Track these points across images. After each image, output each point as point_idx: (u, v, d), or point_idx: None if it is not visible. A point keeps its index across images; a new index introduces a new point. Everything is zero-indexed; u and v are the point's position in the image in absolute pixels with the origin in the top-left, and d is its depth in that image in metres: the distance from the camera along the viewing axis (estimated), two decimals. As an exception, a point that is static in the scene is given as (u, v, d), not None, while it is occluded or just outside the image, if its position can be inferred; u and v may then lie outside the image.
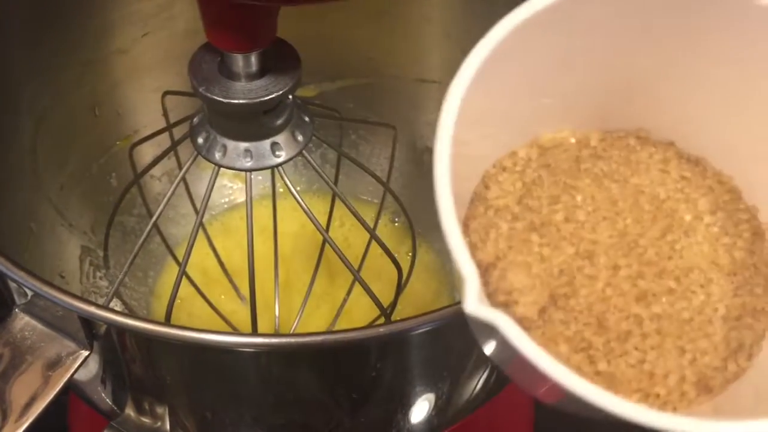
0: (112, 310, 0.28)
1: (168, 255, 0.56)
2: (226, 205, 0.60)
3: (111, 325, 0.28)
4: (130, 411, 0.39)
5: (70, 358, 0.31)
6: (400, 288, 0.43)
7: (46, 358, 0.31)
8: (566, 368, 0.19)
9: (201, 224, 0.38)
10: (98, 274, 0.52)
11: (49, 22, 0.46)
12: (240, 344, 0.29)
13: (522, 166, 0.26)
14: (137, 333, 0.28)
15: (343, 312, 0.53)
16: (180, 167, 0.51)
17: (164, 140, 0.48)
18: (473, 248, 0.24)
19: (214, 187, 0.56)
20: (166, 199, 0.38)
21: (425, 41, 0.55)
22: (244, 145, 0.36)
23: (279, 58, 0.35)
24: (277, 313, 0.53)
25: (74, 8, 0.48)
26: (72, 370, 0.31)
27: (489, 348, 0.23)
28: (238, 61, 0.34)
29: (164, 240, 0.51)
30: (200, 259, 0.55)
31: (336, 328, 0.53)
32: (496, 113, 0.24)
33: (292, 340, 0.29)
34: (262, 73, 0.34)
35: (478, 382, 0.41)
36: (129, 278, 0.54)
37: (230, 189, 0.61)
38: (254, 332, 0.39)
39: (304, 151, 0.38)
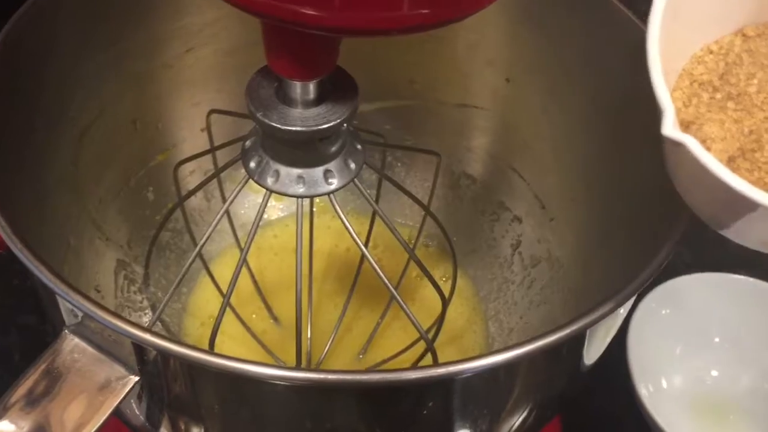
0: (175, 341, 0.27)
1: (201, 270, 0.56)
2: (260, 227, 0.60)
3: (174, 357, 0.27)
4: (164, 430, 0.39)
5: (120, 383, 0.31)
6: (443, 315, 0.42)
7: (95, 383, 0.31)
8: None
9: (245, 255, 0.38)
10: (132, 288, 0.52)
11: (98, 36, 0.46)
12: (306, 380, 0.28)
13: (726, 50, 0.32)
14: (200, 366, 0.27)
15: (375, 336, 0.53)
16: (220, 187, 0.51)
17: (207, 157, 0.48)
18: (677, 111, 0.30)
19: (243, 204, 0.57)
20: (211, 228, 0.38)
21: (468, 67, 0.55)
22: (297, 171, 0.36)
23: (336, 86, 0.35)
24: (309, 335, 0.53)
25: (123, 22, 0.48)
26: (121, 396, 0.31)
27: (676, 169, 0.29)
28: (297, 87, 0.34)
29: (206, 266, 0.50)
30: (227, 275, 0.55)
31: (368, 353, 0.53)
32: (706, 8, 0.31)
33: (354, 377, 0.28)
34: (319, 100, 0.34)
35: (517, 420, 0.40)
36: (162, 294, 0.53)
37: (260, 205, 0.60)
38: (300, 364, 0.39)
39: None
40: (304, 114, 0.34)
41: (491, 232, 0.57)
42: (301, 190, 0.36)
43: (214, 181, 0.52)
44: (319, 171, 0.36)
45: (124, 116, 0.51)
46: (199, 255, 0.50)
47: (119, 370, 0.31)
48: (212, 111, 0.45)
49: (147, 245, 0.54)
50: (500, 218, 0.57)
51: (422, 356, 0.44)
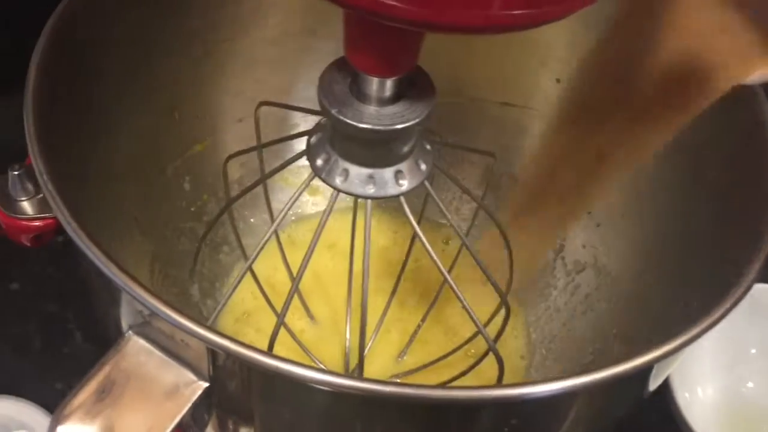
0: (260, 351, 0.26)
1: (236, 265, 0.54)
2: (293, 218, 0.58)
3: (260, 367, 0.26)
4: (211, 429, 0.38)
5: (188, 389, 0.30)
6: (507, 315, 0.41)
7: (162, 388, 0.30)
8: None
9: (301, 276, 0.37)
10: (167, 281, 0.50)
11: (143, 23, 0.44)
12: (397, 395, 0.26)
13: None
14: (283, 376, 0.26)
15: (415, 339, 0.52)
16: (265, 188, 0.49)
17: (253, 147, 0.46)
18: None
19: (280, 199, 0.55)
20: (262, 244, 0.36)
21: (516, 66, 0.54)
22: (367, 171, 0.34)
23: (412, 83, 0.33)
24: (348, 336, 0.52)
25: (167, 12, 0.46)
26: (190, 404, 0.29)
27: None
28: (374, 84, 0.32)
29: (254, 275, 0.49)
30: (269, 273, 0.54)
31: (408, 356, 0.52)
32: None
33: (436, 393, 0.27)
34: (396, 98, 0.33)
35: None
36: (199, 286, 0.52)
37: (299, 201, 0.59)
38: (360, 375, 0.37)
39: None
40: (380, 112, 0.33)
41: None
42: (371, 190, 0.34)
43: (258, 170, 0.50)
44: (389, 171, 0.35)
45: (165, 105, 0.49)
46: (254, 276, 0.49)
47: (187, 375, 0.30)
48: (262, 103, 0.44)
49: (181, 236, 0.52)
50: (542, 221, 0.55)
51: (482, 358, 0.43)
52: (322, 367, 0.50)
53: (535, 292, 0.54)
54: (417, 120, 0.33)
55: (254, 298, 0.52)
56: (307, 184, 0.36)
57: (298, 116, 0.56)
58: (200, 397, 0.30)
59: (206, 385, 0.30)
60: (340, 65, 0.34)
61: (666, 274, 0.46)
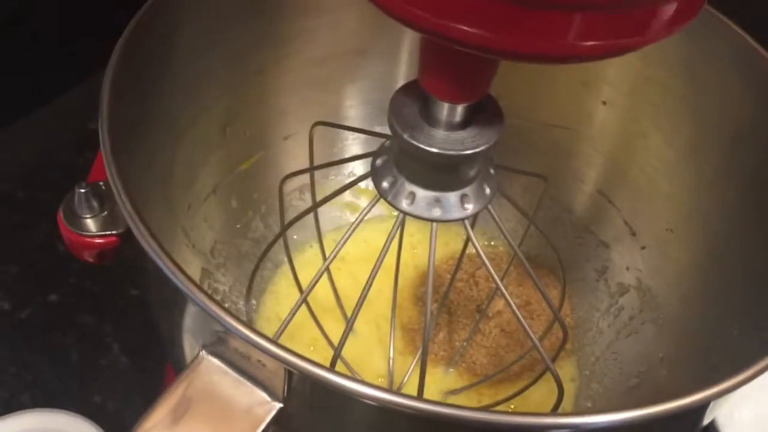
0: (340, 374, 0.26)
1: (272, 278, 0.55)
2: (332, 232, 0.59)
3: (337, 389, 0.26)
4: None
5: (262, 409, 0.30)
6: (566, 336, 0.41)
7: (237, 409, 0.30)
8: None
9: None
10: (216, 297, 0.50)
11: (203, 41, 0.45)
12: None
13: None
14: (364, 400, 0.26)
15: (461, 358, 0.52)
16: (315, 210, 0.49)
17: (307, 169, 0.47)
18: None
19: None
20: (316, 279, 0.36)
21: (560, 87, 0.54)
22: (434, 194, 0.35)
23: (480, 108, 0.34)
24: (391, 353, 0.52)
25: (223, 29, 0.46)
26: (264, 424, 0.30)
27: None
28: (445, 109, 0.33)
29: (309, 308, 0.49)
30: (308, 283, 0.54)
31: (453, 369, 0.52)
32: None
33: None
34: (465, 123, 0.33)
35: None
36: (243, 304, 0.52)
37: (338, 217, 0.59)
38: (420, 396, 0.37)
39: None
40: (450, 136, 0.33)
41: (574, 255, 0.56)
42: (437, 213, 0.35)
43: (308, 181, 0.50)
44: (455, 195, 0.35)
45: (216, 122, 0.50)
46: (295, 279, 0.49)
47: (261, 395, 0.30)
48: (317, 123, 0.44)
49: (228, 252, 0.53)
50: (585, 242, 0.56)
51: (540, 376, 0.42)
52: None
53: (578, 312, 0.55)
54: (487, 146, 0.33)
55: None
56: (371, 206, 0.36)
57: (347, 136, 0.56)
58: (274, 418, 0.30)
59: (280, 405, 0.30)
60: (408, 89, 0.34)
61: (713, 300, 0.46)
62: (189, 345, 0.33)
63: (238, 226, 0.54)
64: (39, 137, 0.76)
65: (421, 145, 0.32)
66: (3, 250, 0.67)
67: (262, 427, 0.30)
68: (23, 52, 0.72)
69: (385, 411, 0.28)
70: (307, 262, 0.56)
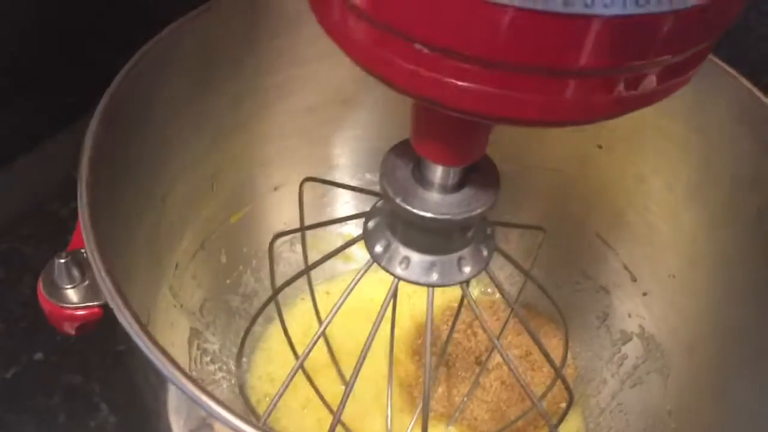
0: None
1: (264, 333, 0.53)
2: (323, 282, 0.57)
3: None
4: None
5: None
6: (570, 403, 0.39)
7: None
8: None
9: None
10: (205, 359, 0.49)
11: (187, 95, 0.44)
12: None
13: None
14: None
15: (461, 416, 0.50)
16: (305, 257, 0.47)
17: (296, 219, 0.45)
18: None
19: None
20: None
21: (554, 132, 0.53)
22: (429, 258, 0.33)
23: (475, 170, 0.32)
24: (389, 413, 0.50)
25: (205, 84, 0.45)
26: None
27: None
28: (439, 171, 0.31)
29: (305, 371, 0.47)
30: (299, 338, 0.52)
31: (453, 426, 0.50)
32: None
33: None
34: (460, 185, 0.32)
35: None
36: (234, 364, 0.50)
37: (330, 266, 0.58)
38: None
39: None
40: (445, 200, 0.32)
41: (573, 301, 0.54)
42: (434, 278, 0.33)
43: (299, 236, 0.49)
44: (453, 258, 0.33)
45: (203, 177, 0.48)
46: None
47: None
48: (307, 179, 0.43)
49: (218, 310, 0.51)
50: (584, 287, 0.54)
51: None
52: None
53: (579, 362, 0.53)
54: (484, 208, 0.32)
55: (271, 382, 0.51)
56: (363, 272, 0.35)
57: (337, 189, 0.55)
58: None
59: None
60: (401, 149, 0.33)
61: (721, 350, 0.44)
62: (176, 424, 0.32)
63: (228, 281, 0.52)
64: (23, 185, 0.75)
65: (415, 210, 0.31)
66: (-13, 306, 0.65)
67: None
68: (9, 97, 0.70)
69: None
70: (298, 315, 0.55)
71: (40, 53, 0.70)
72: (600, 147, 0.51)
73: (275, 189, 0.53)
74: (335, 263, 0.58)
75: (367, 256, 0.33)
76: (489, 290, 0.57)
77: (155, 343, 0.28)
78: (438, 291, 0.56)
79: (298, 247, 0.55)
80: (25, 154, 0.76)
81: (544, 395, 0.45)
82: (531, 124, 0.26)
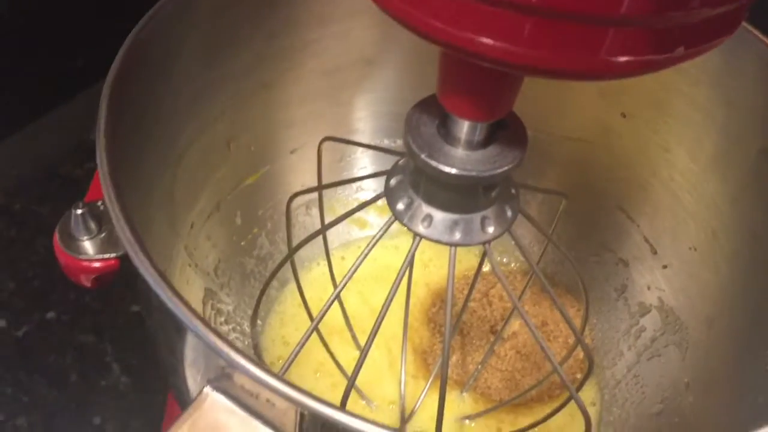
0: (361, 418, 0.24)
1: (278, 297, 0.53)
2: (339, 248, 0.57)
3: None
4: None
5: (272, 451, 0.28)
6: (590, 370, 0.38)
7: (245, 450, 0.28)
8: None
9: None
10: (219, 319, 0.48)
11: (208, 53, 0.43)
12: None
13: None
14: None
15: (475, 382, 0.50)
16: (322, 216, 0.47)
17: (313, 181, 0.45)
18: None
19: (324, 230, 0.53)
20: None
21: (576, 98, 0.52)
22: (453, 216, 0.33)
23: (503, 127, 0.32)
24: (403, 378, 0.50)
25: (226, 43, 0.45)
26: (274, 467, 0.27)
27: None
28: (466, 127, 0.30)
29: (320, 335, 0.47)
30: (315, 303, 0.52)
31: (467, 394, 0.50)
32: None
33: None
34: (486, 142, 0.31)
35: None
36: (247, 325, 0.50)
37: (344, 233, 0.57)
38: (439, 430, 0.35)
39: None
40: (471, 156, 0.31)
41: (592, 273, 0.54)
42: (457, 237, 0.33)
43: (314, 197, 0.48)
44: (476, 217, 0.33)
45: (220, 138, 0.48)
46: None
47: (270, 435, 0.28)
48: (326, 138, 0.42)
49: (232, 271, 0.51)
50: (603, 260, 0.54)
51: (564, 404, 0.40)
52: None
53: (596, 333, 0.52)
54: (511, 166, 0.31)
55: (284, 344, 0.51)
56: (384, 230, 0.34)
57: (355, 149, 0.54)
58: (284, 460, 0.28)
59: (291, 447, 0.28)
60: (426, 104, 0.32)
61: (740, 322, 0.44)
62: (192, 377, 0.31)
63: (243, 243, 0.52)
64: (37, 149, 0.74)
65: (440, 166, 0.30)
66: (0, 265, 0.65)
67: (272, 470, 0.27)
68: (19, 63, 0.70)
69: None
70: (313, 280, 0.54)
71: (49, 16, 0.69)
72: (624, 115, 0.50)
73: (292, 152, 0.53)
74: (350, 229, 0.57)
75: (382, 222, 0.33)
76: (505, 260, 0.56)
77: (174, 290, 0.27)
78: (460, 256, 0.56)
79: (314, 211, 0.55)
80: (37, 119, 0.75)
81: (564, 360, 0.45)
82: (564, 77, 0.25)
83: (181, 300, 0.27)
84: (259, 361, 0.26)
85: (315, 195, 0.49)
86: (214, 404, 0.29)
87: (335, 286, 0.49)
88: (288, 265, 0.47)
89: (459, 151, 0.31)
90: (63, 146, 0.75)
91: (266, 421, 0.28)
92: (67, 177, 0.72)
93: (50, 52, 0.72)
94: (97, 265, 0.36)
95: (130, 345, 0.61)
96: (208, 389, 0.29)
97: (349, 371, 0.49)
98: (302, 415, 0.27)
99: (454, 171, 0.30)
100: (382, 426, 0.25)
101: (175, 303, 0.27)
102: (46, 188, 0.71)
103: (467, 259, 0.56)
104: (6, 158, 0.73)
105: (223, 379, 0.29)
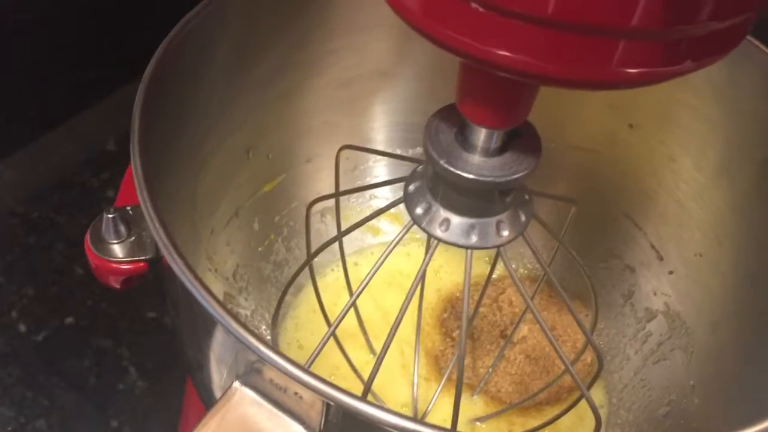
0: (386, 410, 0.26)
1: (293, 302, 0.54)
2: (353, 254, 0.58)
3: (382, 425, 0.26)
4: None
5: (299, 443, 0.29)
6: (600, 369, 0.40)
7: (273, 442, 0.29)
8: None
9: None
10: (237, 323, 0.50)
11: (233, 63, 0.45)
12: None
13: None
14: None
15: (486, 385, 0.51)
16: (338, 223, 0.48)
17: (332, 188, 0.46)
18: None
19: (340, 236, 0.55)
20: (345, 311, 0.35)
21: (586, 108, 0.54)
22: (469, 221, 0.34)
23: (517, 134, 0.33)
24: (415, 381, 0.51)
25: (249, 55, 0.46)
26: (302, 458, 0.29)
27: None
28: (483, 134, 0.32)
29: (337, 340, 0.48)
30: (329, 308, 0.53)
31: (478, 396, 0.51)
32: None
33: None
34: (502, 149, 0.33)
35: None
36: (266, 328, 0.51)
37: (359, 239, 0.59)
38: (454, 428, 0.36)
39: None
40: (488, 163, 0.32)
41: (600, 279, 0.55)
42: (473, 240, 0.34)
43: (330, 204, 0.50)
44: (491, 221, 0.34)
45: (240, 146, 0.49)
46: (321, 306, 0.48)
47: (297, 428, 0.29)
48: (345, 147, 0.43)
49: (250, 276, 0.52)
50: (610, 266, 0.55)
51: (574, 404, 0.41)
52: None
53: (602, 338, 0.54)
54: (527, 171, 0.32)
55: (317, 335, 0.52)
56: (402, 235, 0.35)
57: (369, 157, 0.56)
58: (310, 452, 0.29)
59: (317, 438, 0.29)
60: (444, 114, 0.34)
61: (745, 327, 0.45)
62: (218, 374, 0.33)
63: (260, 249, 0.53)
64: (54, 159, 0.76)
65: (458, 171, 0.32)
66: (19, 271, 0.67)
67: (299, 461, 0.29)
68: (36, 73, 0.71)
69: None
70: (327, 286, 0.56)
71: (65, 28, 0.71)
72: (631, 126, 0.52)
73: (307, 161, 0.54)
74: (365, 236, 0.59)
75: (395, 230, 0.34)
76: (513, 266, 0.57)
77: (208, 290, 0.29)
78: (463, 267, 0.57)
79: (328, 219, 0.56)
80: (54, 129, 0.77)
81: (573, 362, 0.46)
82: (577, 86, 0.27)
83: (215, 299, 0.29)
84: (287, 356, 0.27)
85: (329, 203, 0.51)
86: (243, 398, 0.30)
87: (350, 291, 0.51)
88: (305, 271, 0.48)
89: (476, 158, 0.32)
90: (79, 156, 0.77)
91: (292, 414, 0.30)
92: (84, 186, 0.73)
93: (66, 64, 0.73)
94: (126, 267, 0.37)
95: (146, 350, 0.63)
96: (237, 384, 0.30)
97: (364, 374, 0.51)
98: (328, 407, 0.28)
99: (471, 176, 0.32)
100: (406, 417, 0.26)
101: (210, 302, 0.29)
102: (64, 197, 0.72)
103: (477, 265, 0.57)
104: (24, 168, 0.75)
105: (251, 374, 0.30)
